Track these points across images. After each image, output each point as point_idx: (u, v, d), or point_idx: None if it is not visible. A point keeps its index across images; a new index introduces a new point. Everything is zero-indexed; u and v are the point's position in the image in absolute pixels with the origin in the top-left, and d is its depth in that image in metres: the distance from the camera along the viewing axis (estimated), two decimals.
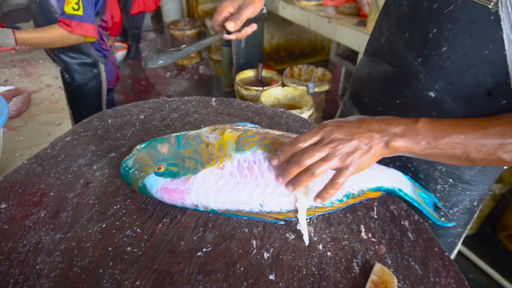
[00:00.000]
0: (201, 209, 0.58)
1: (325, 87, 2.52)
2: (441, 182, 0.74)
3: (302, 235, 0.56)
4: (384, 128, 0.54)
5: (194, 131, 0.65)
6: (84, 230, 0.56)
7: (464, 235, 0.86)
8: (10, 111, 1.20)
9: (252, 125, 0.69)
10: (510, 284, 1.64)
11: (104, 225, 0.57)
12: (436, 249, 0.58)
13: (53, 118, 1.23)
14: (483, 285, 1.70)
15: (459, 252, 1.79)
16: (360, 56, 2.17)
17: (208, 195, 0.57)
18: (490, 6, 0.53)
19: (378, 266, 0.52)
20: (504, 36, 0.54)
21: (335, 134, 0.54)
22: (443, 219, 0.76)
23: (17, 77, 1.49)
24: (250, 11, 0.72)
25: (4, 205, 0.59)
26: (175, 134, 0.65)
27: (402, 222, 0.62)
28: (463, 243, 1.79)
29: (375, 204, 0.65)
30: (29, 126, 1.17)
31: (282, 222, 0.59)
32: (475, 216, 0.81)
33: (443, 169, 0.73)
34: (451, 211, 0.77)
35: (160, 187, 0.57)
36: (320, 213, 0.60)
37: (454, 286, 0.52)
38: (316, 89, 2.48)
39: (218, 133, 0.64)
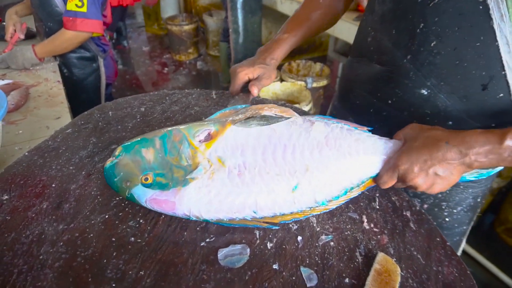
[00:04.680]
0: (193, 218, 0.56)
1: (323, 82, 2.52)
2: None
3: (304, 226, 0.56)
4: (464, 153, 0.50)
5: (179, 131, 0.58)
6: (87, 221, 0.55)
7: (468, 232, 0.84)
8: (9, 104, 1.19)
9: (232, 107, 0.67)
10: (508, 278, 1.65)
11: (107, 216, 0.57)
12: (438, 239, 0.58)
13: (52, 111, 1.22)
14: (481, 279, 1.71)
15: None
16: None
17: (200, 206, 0.55)
18: None
19: (381, 256, 0.52)
20: (495, 26, 0.51)
21: (411, 175, 0.52)
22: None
23: (15, 71, 1.47)
24: (269, 83, 0.78)
25: (6, 197, 0.59)
26: (160, 133, 0.59)
27: (404, 213, 0.62)
28: None
29: (377, 195, 0.65)
30: (28, 119, 1.16)
31: (277, 227, 0.57)
32: (478, 210, 0.81)
33: None
34: (455, 210, 0.76)
35: (149, 197, 0.55)
36: (325, 211, 0.58)
37: (456, 275, 0.52)
38: (314, 84, 2.48)
39: (205, 132, 0.59)
